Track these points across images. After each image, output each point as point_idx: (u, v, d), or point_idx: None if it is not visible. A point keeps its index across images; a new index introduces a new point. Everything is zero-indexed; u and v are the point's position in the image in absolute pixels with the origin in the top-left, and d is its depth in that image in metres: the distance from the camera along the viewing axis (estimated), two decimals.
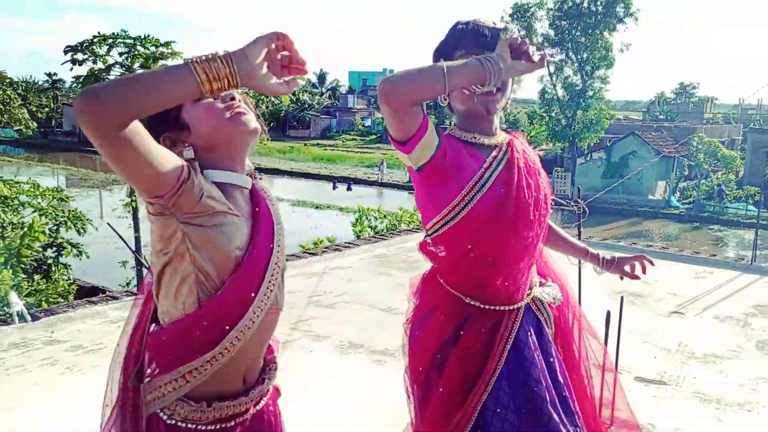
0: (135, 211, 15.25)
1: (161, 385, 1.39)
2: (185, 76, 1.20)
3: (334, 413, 3.45)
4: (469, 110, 1.80)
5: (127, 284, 12.58)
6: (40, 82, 62.25)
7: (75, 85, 17.80)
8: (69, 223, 9.66)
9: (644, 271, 2.13)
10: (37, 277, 8.33)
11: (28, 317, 4.76)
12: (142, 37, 16.43)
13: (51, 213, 9.47)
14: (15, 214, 8.98)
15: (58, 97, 59.21)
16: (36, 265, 8.55)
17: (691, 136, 32.69)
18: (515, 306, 1.80)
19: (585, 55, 32.37)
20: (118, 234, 12.71)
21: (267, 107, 47.19)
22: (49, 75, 60.47)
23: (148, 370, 1.42)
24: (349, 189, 32.85)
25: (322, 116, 63.41)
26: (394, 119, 1.64)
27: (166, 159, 1.28)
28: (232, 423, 1.44)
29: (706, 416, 3.61)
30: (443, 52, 1.80)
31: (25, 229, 7.34)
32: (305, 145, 52.97)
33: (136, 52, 16.40)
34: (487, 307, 1.78)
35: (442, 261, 1.81)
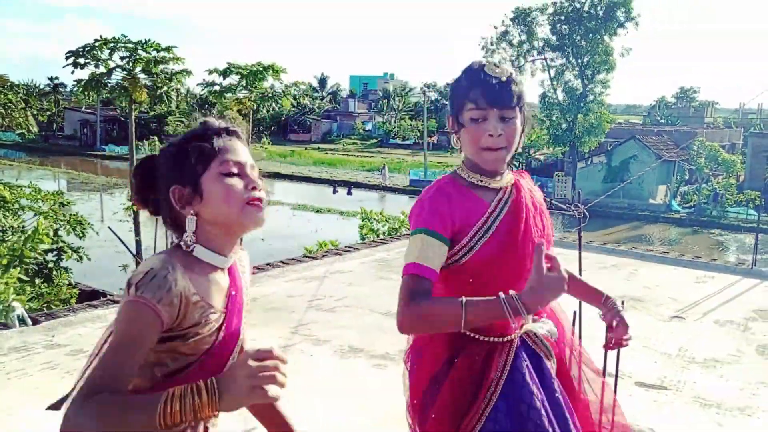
0: (136, 214, 15.28)
1: None
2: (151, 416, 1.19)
3: (334, 417, 3.45)
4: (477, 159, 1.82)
5: None
6: (41, 86, 62.38)
7: (77, 89, 17.87)
8: (69, 227, 9.67)
9: (614, 347, 2.05)
10: (38, 281, 8.34)
11: (29, 321, 4.76)
12: (144, 41, 16.48)
13: (52, 216, 9.48)
14: (15, 217, 8.98)
15: (60, 101, 59.31)
16: (37, 268, 8.55)
17: (691, 140, 32.71)
18: (508, 338, 1.81)
19: (586, 60, 32.45)
20: (118, 238, 12.75)
21: (268, 111, 47.24)
22: (51, 79, 60.62)
23: None
24: (349, 193, 32.88)
25: (322, 120, 63.53)
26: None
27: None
28: None
29: (707, 421, 3.61)
30: (455, 105, 1.80)
31: (29, 232, 7.35)
32: (306, 149, 53.08)
33: (138, 57, 16.45)
34: (481, 338, 1.80)
35: (440, 293, 1.81)
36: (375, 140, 59.79)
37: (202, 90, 20.51)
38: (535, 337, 1.87)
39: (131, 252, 13.48)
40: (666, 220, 29.47)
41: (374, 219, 11.96)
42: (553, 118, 33.49)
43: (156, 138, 30.31)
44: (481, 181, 1.81)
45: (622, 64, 58.29)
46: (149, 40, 16.26)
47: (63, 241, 9.25)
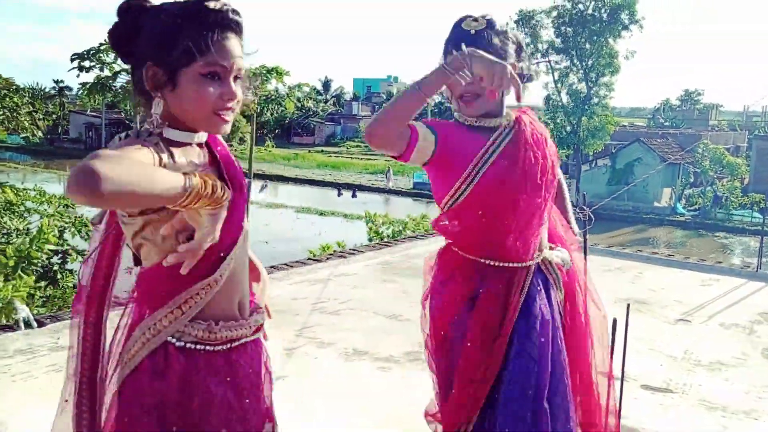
0: None
1: (156, 321, 1.42)
2: (178, 190, 1.25)
3: (338, 420, 3.44)
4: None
5: (133, 291, 12.59)
6: (46, 89, 62.57)
7: (82, 92, 17.91)
8: (75, 229, 9.69)
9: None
10: (43, 283, 8.36)
11: (34, 323, 4.77)
12: None
13: (57, 217, 9.52)
14: (21, 220, 9.01)
15: (65, 104, 59.47)
16: (42, 271, 8.57)
17: (696, 143, 32.67)
18: (526, 264, 1.93)
19: (590, 62, 32.41)
20: None
21: (272, 114, 47.30)
22: (56, 82, 60.81)
23: (132, 317, 1.50)
24: (354, 196, 32.84)
25: (326, 123, 63.53)
26: (386, 150, 1.84)
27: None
28: (237, 344, 1.47)
29: (712, 424, 3.59)
30: (444, 51, 1.97)
31: (34, 233, 7.37)
32: (309, 152, 53.08)
33: None
34: (501, 264, 1.92)
35: (456, 233, 1.95)
36: None
37: None
38: (549, 264, 2.00)
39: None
40: (671, 223, 29.40)
41: (378, 221, 11.99)
42: (557, 121, 33.46)
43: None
44: (476, 121, 1.94)
45: (627, 66, 58.26)
46: None
47: (69, 244, 9.28)
